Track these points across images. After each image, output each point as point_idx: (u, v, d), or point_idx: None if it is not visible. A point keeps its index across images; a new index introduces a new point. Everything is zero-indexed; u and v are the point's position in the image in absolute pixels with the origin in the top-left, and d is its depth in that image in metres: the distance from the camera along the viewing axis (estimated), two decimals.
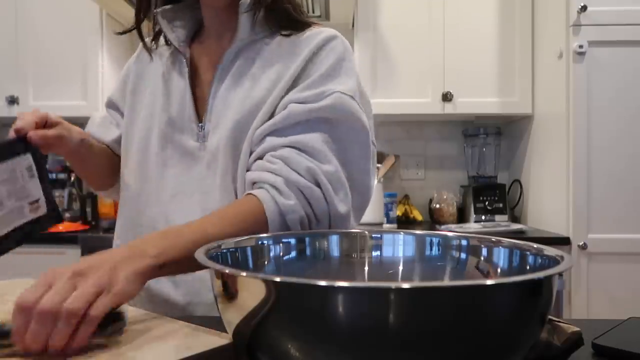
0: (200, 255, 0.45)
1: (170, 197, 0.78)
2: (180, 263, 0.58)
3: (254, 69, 0.79)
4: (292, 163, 0.70)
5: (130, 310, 0.58)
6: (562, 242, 1.80)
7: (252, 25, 0.79)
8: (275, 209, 0.68)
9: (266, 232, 0.67)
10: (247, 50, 0.80)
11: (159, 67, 0.86)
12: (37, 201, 0.66)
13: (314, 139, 0.72)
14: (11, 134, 0.66)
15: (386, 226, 2.18)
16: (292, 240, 0.60)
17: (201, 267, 0.42)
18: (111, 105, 0.93)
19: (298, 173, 0.70)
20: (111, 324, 0.47)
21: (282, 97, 0.76)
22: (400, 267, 0.60)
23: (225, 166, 0.76)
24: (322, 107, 0.72)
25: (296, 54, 0.78)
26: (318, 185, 0.70)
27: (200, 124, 0.79)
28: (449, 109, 2.17)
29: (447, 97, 2.15)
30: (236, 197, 0.75)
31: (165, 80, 0.83)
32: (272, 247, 0.59)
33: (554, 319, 0.51)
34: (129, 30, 0.86)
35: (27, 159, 0.65)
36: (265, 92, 0.76)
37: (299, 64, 0.77)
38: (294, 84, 0.76)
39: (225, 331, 0.45)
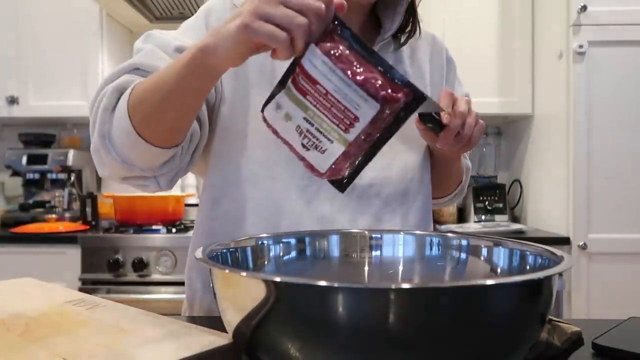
0: (200, 255, 0.45)
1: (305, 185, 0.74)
2: None
3: (402, 65, 0.82)
4: None
5: (130, 310, 0.58)
6: (562, 242, 1.79)
7: (393, 22, 0.80)
8: None
9: None
10: (386, 47, 0.82)
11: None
12: None
13: None
14: None
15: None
16: (292, 240, 0.60)
17: None
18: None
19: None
20: None
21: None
22: (400, 267, 0.60)
23: None
24: None
25: (439, 54, 0.87)
26: None
27: None
28: None
29: None
30: None
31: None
32: (272, 247, 0.59)
33: (554, 319, 0.51)
34: None
35: None
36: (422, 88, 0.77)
37: (444, 65, 0.88)
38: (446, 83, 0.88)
39: (225, 331, 0.45)
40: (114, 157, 0.64)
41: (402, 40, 0.82)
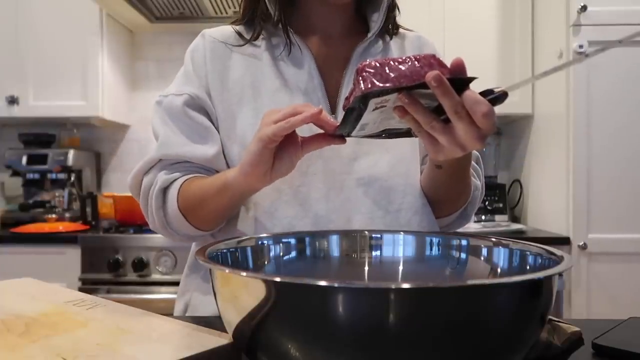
0: (200, 255, 0.45)
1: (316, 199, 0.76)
2: None
3: None
4: None
5: (129, 310, 0.58)
6: (562, 242, 1.79)
7: (380, 23, 0.80)
8: None
9: None
10: (371, 47, 0.81)
11: (262, 68, 0.79)
12: None
13: None
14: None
15: None
16: (292, 240, 0.60)
17: None
18: (198, 104, 0.78)
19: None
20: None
21: None
22: (400, 267, 0.60)
23: None
24: None
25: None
26: None
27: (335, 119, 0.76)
28: None
29: None
30: None
31: (284, 80, 0.78)
32: (272, 247, 0.59)
33: (554, 319, 0.51)
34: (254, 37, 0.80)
35: None
36: None
37: None
38: None
39: (225, 331, 0.45)
40: (176, 236, 0.78)
41: (388, 39, 0.83)
